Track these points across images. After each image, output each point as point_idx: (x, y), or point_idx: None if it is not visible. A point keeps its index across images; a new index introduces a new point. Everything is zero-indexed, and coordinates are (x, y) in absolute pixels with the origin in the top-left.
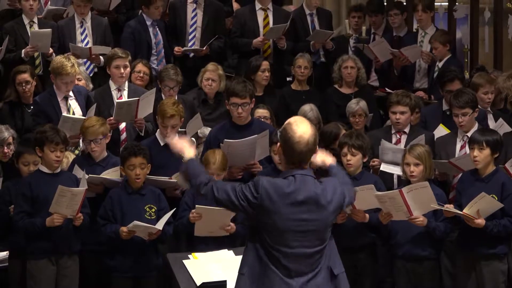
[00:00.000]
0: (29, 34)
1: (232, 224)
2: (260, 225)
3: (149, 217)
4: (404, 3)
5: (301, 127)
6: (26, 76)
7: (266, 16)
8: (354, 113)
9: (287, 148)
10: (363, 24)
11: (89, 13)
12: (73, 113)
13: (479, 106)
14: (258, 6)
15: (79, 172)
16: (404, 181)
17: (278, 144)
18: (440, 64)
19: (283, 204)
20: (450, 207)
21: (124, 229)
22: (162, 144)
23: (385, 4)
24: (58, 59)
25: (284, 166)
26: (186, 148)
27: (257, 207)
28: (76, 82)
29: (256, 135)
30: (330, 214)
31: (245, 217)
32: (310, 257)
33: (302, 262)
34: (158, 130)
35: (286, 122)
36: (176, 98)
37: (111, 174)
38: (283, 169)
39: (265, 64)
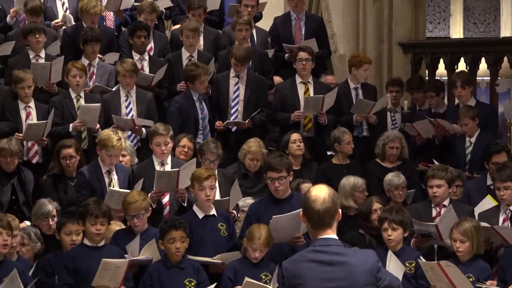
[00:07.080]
0: (76, 108)
1: None
2: None
3: None
4: (442, 79)
5: (316, 189)
6: (70, 151)
7: (307, 90)
8: (397, 186)
9: (306, 211)
10: (402, 97)
11: (134, 86)
12: (113, 187)
13: None
14: (298, 80)
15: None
16: (445, 254)
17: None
18: (472, 139)
19: (304, 267)
20: (493, 284)
21: None
22: (200, 217)
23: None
24: (106, 131)
25: (310, 233)
26: None
27: None
28: (121, 158)
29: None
30: (362, 275)
31: None
32: None
33: None
34: (195, 204)
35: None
36: (216, 172)
37: (147, 249)
38: (311, 238)
39: (295, 136)
